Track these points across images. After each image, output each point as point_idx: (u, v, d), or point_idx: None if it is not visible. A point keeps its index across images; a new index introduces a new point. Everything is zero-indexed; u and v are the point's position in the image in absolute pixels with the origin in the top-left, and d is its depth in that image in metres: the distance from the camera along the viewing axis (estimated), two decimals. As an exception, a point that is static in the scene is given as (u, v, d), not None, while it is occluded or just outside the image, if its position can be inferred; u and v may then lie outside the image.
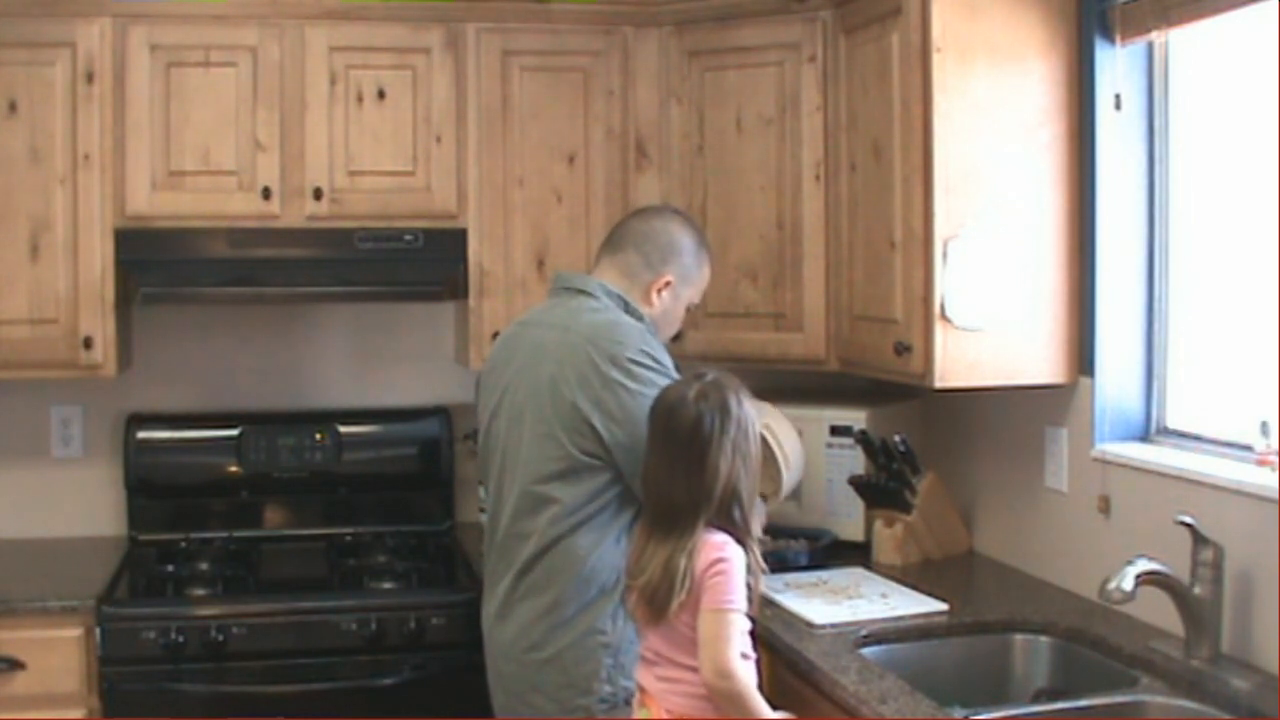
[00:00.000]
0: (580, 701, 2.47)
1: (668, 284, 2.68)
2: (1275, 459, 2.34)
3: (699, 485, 2.20)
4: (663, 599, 2.17)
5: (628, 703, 2.41)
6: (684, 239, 2.73)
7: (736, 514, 2.22)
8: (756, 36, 3.30)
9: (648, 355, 2.50)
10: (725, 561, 2.17)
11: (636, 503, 2.46)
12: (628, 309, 2.63)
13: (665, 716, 2.22)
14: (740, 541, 2.21)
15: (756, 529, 2.27)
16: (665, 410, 2.28)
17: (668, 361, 2.55)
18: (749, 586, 2.21)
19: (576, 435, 2.48)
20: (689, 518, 2.20)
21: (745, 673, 2.16)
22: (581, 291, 2.65)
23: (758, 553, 2.25)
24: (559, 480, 2.50)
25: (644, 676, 2.29)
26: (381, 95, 3.30)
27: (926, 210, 2.79)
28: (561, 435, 2.49)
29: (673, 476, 2.23)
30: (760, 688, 2.21)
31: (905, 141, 2.86)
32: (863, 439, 3.27)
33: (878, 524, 3.23)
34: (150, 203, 3.22)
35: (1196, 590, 2.33)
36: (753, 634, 2.29)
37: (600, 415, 2.46)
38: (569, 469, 2.49)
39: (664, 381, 2.45)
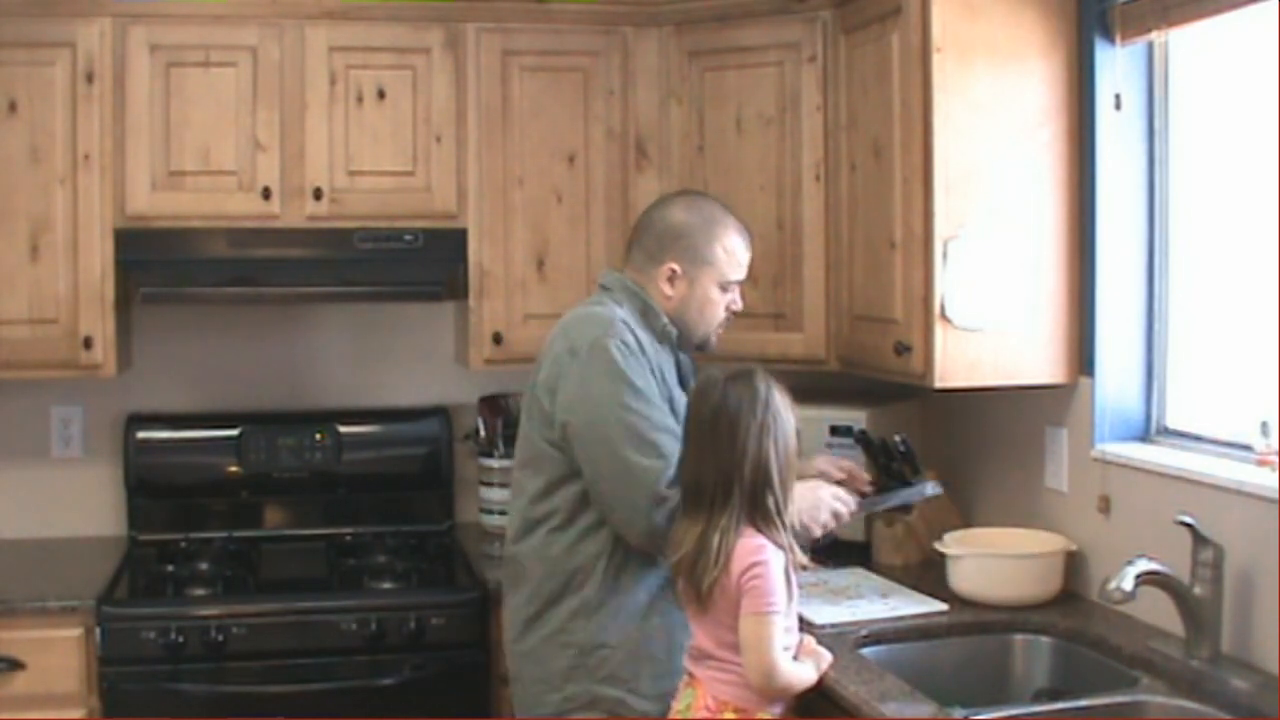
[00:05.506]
0: (549, 697, 2.50)
1: (673, 271, 2.60)
2: (1275, 459, 2.34)
3: (729, 462, 2.23)
4: (700, 572, 2.22)
5: (593, 704, 2.45)
6: (685, 221, 2.62)
7: (770, 502, 2.23)
8: (756, 36, 3.30)
9: (603, 349, 2.44)
10: (762, 565, 2.20)
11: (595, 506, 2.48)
12: (646, 305, 2.59)
13: (711, 701, 2.27)
14: (778, 542, 2.23)
15: (793, 523, 2.29)
16: (696, 395, 2.32)
17: (632, 365, 2.45)
18: (789, 583, 2.24)
19: (539, 423, 2.52)
20: (721, 495, 2.23)
21: (789, 667, 2.24)
22: (603, 287, 2.66)
23: (797, 550, 2.27)
24: (526, 467, 2.56)
25: (694, 667, 2.33)
26: (381, 95, 3.30)
27: (926, 210, 2.78)
28: (529, 424, 2.55)
29: (701, 457, 2.27)
30: None
31: (905, 141, 2.85)
32: (863, 439, 3.25)
33: (878, 524, 3.22)
34: (150, 203, 3.22)
35: (1196, 590, 2.33)
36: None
37: (552, 401, 2.49)
38: (533, 457, 2.54)
39: (611, 386, 2.40)
